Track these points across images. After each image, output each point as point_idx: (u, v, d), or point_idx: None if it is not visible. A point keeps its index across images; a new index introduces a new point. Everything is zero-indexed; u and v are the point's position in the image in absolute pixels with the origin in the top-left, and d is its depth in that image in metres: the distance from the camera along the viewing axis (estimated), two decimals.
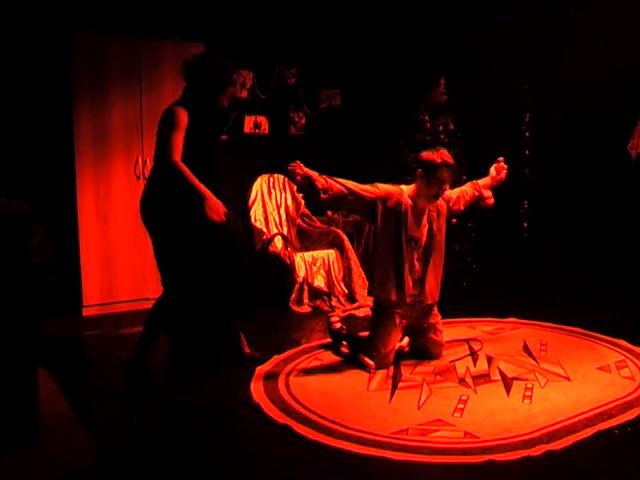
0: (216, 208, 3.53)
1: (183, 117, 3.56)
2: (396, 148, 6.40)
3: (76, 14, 5.37)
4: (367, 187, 4.04)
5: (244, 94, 6.50)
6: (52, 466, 2.83)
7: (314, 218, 6.30)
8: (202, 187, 3.53)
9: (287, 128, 6.84)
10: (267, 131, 6.68)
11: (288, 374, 3.95)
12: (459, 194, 4.31)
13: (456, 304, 5.36)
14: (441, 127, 6.34)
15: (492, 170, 4.44)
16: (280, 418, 3.31)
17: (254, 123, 6.60)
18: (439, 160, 3.95)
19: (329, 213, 6.59)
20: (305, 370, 4.04)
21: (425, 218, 4.10)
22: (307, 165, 3.92)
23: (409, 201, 4.04)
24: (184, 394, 3.66)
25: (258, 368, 4.03)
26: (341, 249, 5.94)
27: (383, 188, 4.05)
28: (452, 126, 6.37)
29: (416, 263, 4.09)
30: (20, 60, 5.30)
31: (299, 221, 6.24)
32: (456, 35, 6.59)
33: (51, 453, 2.92)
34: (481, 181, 4.42)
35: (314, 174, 3.91)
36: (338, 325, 4.46)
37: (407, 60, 6.70)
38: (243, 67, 6.46)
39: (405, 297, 4.05)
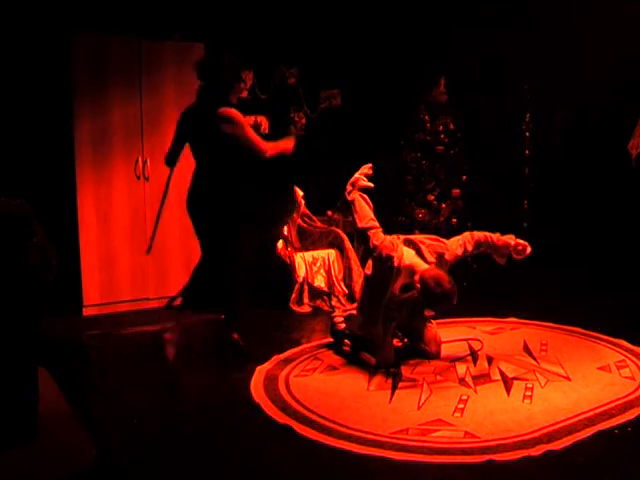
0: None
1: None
2: (396, 148, 6.41)
3: (76, 14, 5.37)
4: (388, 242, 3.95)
5: (244, 94, 6.50)
6: (52, 466, 2.83)
7: (314, 218, 6.29)
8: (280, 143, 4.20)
9: (287, 128, 6.83)
10: (267, 131, 6.68)
11: (288, 374, 3.96)
12: (468, 250, 4.02)
13: (456, 304, 5.34)
14: (441, 127, 6.36)
15: (516, 246, 4.08)
16: (280, 418, 3.31)
17: (254, 123, 6.60)
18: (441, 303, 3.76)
19: (329, 213, 6.58)
20: (305, 370, 4.04)
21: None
22: (307, 165, 3.92)
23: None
24: (184, 394, 3.66)
25: (258, 368, 4.02)
26: (341, 249, 5.93)
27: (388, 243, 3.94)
28: (452, 126, 6.39)
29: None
30: (20, 60, 5.30)
31: (299, 221, 6.23)
32: (456, 35, 6.59)
33: (51, 453, 2.92)
34: (499, 240, 4.09)
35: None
36: (342, 326, 4.45)
37: (407, 60, 6.70)
38: (243, 67, 6.47)
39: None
